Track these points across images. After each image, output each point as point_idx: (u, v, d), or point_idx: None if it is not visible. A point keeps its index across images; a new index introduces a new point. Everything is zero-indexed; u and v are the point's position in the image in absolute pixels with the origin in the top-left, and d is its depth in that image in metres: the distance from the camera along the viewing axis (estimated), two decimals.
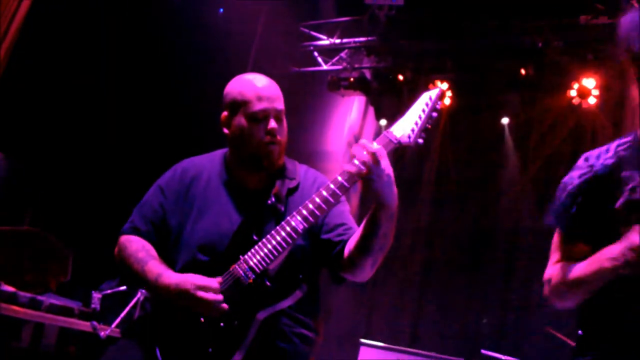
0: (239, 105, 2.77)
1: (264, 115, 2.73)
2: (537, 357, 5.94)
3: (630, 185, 2.34)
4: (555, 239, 2.50)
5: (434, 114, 2.60)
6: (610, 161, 2.41)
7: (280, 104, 2.78)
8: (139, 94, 7.66)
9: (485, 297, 8.11)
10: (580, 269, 2.35)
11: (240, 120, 2.77)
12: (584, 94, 7.64)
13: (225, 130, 2.83)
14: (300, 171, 2.89)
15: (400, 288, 8.67)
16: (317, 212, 2.57)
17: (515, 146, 8.51)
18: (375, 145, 2.50)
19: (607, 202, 2.36)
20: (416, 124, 2.58)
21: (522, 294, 7.37)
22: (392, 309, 8.60)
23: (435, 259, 8.62)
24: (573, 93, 7.73)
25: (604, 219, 2.36)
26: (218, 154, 2.96)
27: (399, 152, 8.77)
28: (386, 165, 2.49)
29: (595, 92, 7.59)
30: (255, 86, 2.78)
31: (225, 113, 2.82)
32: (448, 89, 8.36)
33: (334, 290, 8.20)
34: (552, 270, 2.46)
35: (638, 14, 2.25)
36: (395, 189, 2.56)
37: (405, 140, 2.57)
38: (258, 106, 2.73)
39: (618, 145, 2.45)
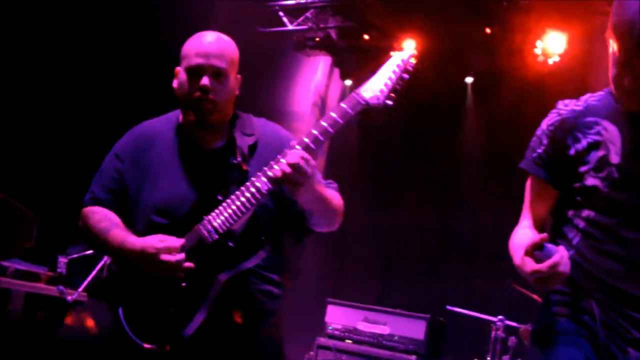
0: (183, 59, 2.78)
1: (198, 71, 2.71)
2: (502, 312, 6.03)
3: (594, 129, 2.40)
4: (528, 183, 2.60)
5: (405, 76, 2.61)
6: (578, 108, 2.51)
7: (219, 62, 2.74)
8: (101, 56, 7.54)
9: (451, 255, 8.20)
10: (514, 243, 2.48)
11: (182, 74, 2.77)
12: (548, 53, 7.67)
13: (174, 84, 2.84)
14: (257, 125, 2.87)
15: (369, 249, 8.74)
16: (282, 176, 2.55)
17: (476, 106, 8.56)
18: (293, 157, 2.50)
19: (570, 144, 2.45)
20: (386, 85, 2.58)
21: (490, 248, 7.44)
22: (360, 269, 8.67)
23: (402, 220, 8.68)
24: (538, 52, 7.75)
25: (568, 162, 2.45)
26: (172, 115, 2.94)
27: (364, 112, 8.79)
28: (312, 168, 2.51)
29: (560, 51, 7.62)
30: (198, 42, 2.77)
31: (177, 68, 2.82)
32: (414, 48, 8.35)
33: (302, 251, 8.25)
34: (517, 227, 2.57)
35: None
36: (317, 180, 2.60)
37: (374, 101, 2.58)
38: (194, 61, 2.72)
39: (590, 97, 2.55)
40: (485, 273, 7.53)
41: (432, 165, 8.59)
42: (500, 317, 5.89)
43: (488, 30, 7.98)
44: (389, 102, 2.59)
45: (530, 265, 2.22)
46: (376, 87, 2.59)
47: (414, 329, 6.62)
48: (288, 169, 2.49)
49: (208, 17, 8.27)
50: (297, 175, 2.49)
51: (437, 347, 6.71)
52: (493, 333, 5.90)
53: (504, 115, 7.77)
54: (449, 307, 6.31)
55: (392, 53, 2.68)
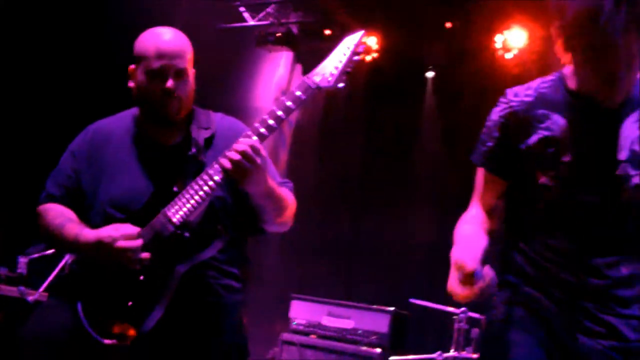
0: (140, 59, 2.75)
1: (162, 72, 2.70)
2: (465, 304, 6.07)
3: (545, 123, 2.39)
4: (478, 175, 2.59)
5: (356, 57, 2.62)
6: (528, 98, 2.47)
7: (181, 62, 2.73)
8: (57, 54, 7.45)
9: (414, 248, 8.24)
10: (458, 237, 2.48)
11: (141, 75, 2.74)
12: (509, 46, 7.72)
13: (130, 84, 2.81)
14: (215, 120, 2.88)
15: (332, 243, 8.74)
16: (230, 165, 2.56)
17: (436, 100, 8.60)
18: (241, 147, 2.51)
19: (521, 137, 2.42)
20: (336, 68, 2.60)
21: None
22: (324, 264, 8.67)
23: (365, 214, 8.70)
24: (498, 46, 7.81)
25: (516, 154, 2.43)
26: (128, 113, 2.94)
27: (328, 105, 8.82)
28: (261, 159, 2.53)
29: (521, 46, 7.68)
30: (157, 42, 2.74)
31: (132, 66, 2.80)
32: (376, 43, 8.36)
33: (265, 245, 8.23)
34: (464, 214, 2.58)
35: None
36: (265, 174, 2.60)
37: (324, 84, 2.59)
38: (156, 63, 2.70)
39: (540, 83, 2.51)
40: (448, 266, 7.58)
41: (392, 160, 8.61)
42: (462, 309, 5.93)
43: (448, 25, 8.01)
44: (340, 85, 2.60)
45: (452, 279, 2.25)
46: (327, 70, 2.60)
47: (378, 322, 6.64)
48: (237, 156, 2.49)
49: (168, 13, 8.23)
50: (245, 163, 2.49)
51: (401, 340, 6.74)
52: (456, 325, 5.94)
53: (464, 109, 7.81)
54: (412, 300, 6.34)
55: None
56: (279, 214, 2.79)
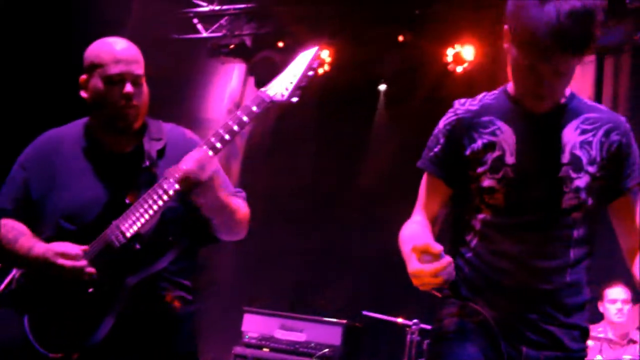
0: (95, 67, 2.73)
1: (120, 79, 2.70)
2: (417, 316, 6.11)
3: (490, 129, 2.45)
4: (423, 180, 2.62)
5: (310, 73, 2.64)
6: (474, 107, 2.54)
7: (138, 69, 2.74)
8: (4, 61, 7.32)
9: (366, 260, 8.27)
10: (402, 242, 2.49)
11: (97, 82, 2.73)
12: (460, 60, 7.82)
13: (84, 94, 2.80)
14: (166, 130, 2.88)
15: (284, 256, 8.73)
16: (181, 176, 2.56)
17: (388, 112, 8.67)
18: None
19: (466, 143, 2.48)
20: (291, 82, 2.61)
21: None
22: (276, 275, 8.65)
23: (316, 226, 8.71)
24: (449, 59, 7.90)
25: (462, 160, 2.48)
26: (79, 122, 2.92)
27: (281, 117, 8.82)
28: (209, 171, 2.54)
29: (471, 58, 7.78)
30: (113, 49, 2.74)
31: (83, 76, 2.78)
32: (328, 55, 8.40)
33: (217, 257, 8.18)
34: (409, 221, 2.60)
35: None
36: (217, 186, 2.62)
37: (278, 98, 2.60)
38: (114, 69, 2.70)
39: (485, 95, 2.59)
40: (400, 277, 7.61)
41: (344, 171, 8.64)
42: (415, 320, 5.96)
43: (400, 38, 8.09)
44: (294, 100, 2.62)
45: (414, 263, 2.21)
46: (282, 84, 2.62)
47: (331, 334, 6.65)
48: (188, 168, 2.51)
49: (119, 22, 8.16)
50: (197, 175, 2.50)
51: (353, 352, 6.76)
52: (408, 337, 5.97)
53: (416, 121, 7.87)
54: (364, 312, 6.36)
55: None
56: (232, 224, 2.79)
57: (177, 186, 2.56)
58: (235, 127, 2.58)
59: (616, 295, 6.00)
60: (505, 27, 2.38)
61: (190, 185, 2.53)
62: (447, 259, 2.19)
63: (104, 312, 2.58)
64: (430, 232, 2.51)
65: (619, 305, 6.00)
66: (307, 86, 2.63)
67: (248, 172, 8.95)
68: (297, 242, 8.75)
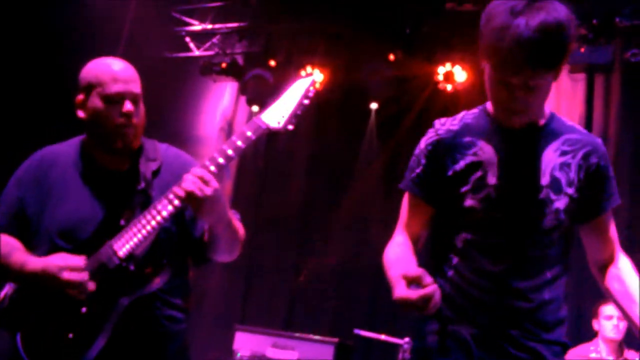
0: (94, 87, 2.74)
1: (119, 98, 2.72)
2: (409, 334, 6.10)
3: (472, 150, 2.47)
4: (404, 200, 2.64)
5: (305, 101, 2.67)
6: (455, 127, 2.56)
7: (136, 87, 2.77)
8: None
9: (358, 279, 8.27)
10: (388, 264, 2.49)
11: (96, 102, 2.74)
12: (450, 78, 7.86)
13: (81, 114, 2.81)
14: (161, 150, 2.89)
15: (276, 274, 8.72)
16: (184, 196, 2.57)
17: (379, 131, 8.68)
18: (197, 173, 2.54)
19: (448, 164, 2.50)
20: (287, 110, 2.64)
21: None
22: (268, 293, 8.65)
23: (309, 245, 8.72)
24: (440, 78, 7.94)
25: (444, 180, 2.50)
26: (75, 140, 2.93)
27: (270, 137, 8.84)
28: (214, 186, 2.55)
29: (461, 78, 7.83)
30: (111, 68, 2.76)
31: (80, 96, 2.79)
32: (320, 73, 8.43)
33: (208, 275, 8.17)
34: (391, 241, 2.60)
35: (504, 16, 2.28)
36: (223, 203, 2.63)
37: (274, 126, 2.63)
38: (113, 88, 2.71)
39: (465, 115, 2.60)
40: (391, 296, 7.60)
41: (335, 189, 8.66)
42: (406, 339, 5.95)
43: (392, 57, 8.13)
44: (290, 127, 2.65)
45: (401, 290, 2.21)
46: (278, 112, 2.64)
47: (323, 353, 6.63)
48: (189, 188, 2.51)
49: (113, 39, 8.19)
50: (198, 195, 2.51)
51: None
52: (400, 355, 5.95)
53: (406, 141, 7.90)
54: (356, 331, 6.35)
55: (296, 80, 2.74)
56: (233, 242, 2.81)
57: (170, 207, 2.58)
58: (230, 152, 2.60)
59: (612, 311, 6.00)
60: (479, 42, 2.38)
61: (197, 202, 2.54)
62: (434, 287, 2.20)
63: (96, 331, 2.57)
64: (414, 256, 2.52)
65: (614, 321, 6.00)
66: (301, 114, 2.67)
67: (240, 190, 8.95)
68: (288, 260, 8.75)
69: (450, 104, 7.87)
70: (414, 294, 2.18)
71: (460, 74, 7.81)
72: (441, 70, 7.88)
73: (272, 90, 8.46)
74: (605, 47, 7.03)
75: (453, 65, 7.82)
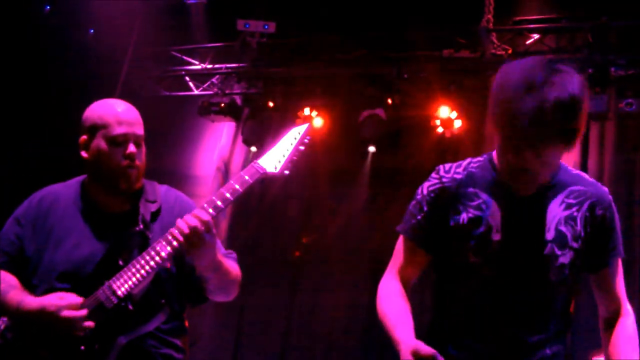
0: (98, 128, 2.77)
1: (124, 140, 2.75)
2: None
3: (475, 202, 2.46)
4: (399, 243, 2.59)
5: (302, 147, 2.75)
6: (459, 176, 2.51)
7: (139, 129, 2.80)
8: (9, 105, 7.37)
9: (350, 329, 8.24)
10: (389, 319, 2.45)
11: (100, 143, 2.77)
12: (447, 123, 7.91)
13: (84, 154, 2.83)
14: (160, 192, 2.92)
15: (268, 316, 8.70)
16: (181, 238, 2.59)
17: (375, 174, 8.70)
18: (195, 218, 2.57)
19: (450, 214, 2.46)
20: (284, 156, 2.71)
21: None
22: (260, 333, 8.61)
23: (300, 288, 8.70)
24: (437, 122, 7.99)
25: (445, 230, 2.46)
26: (75, 181, 2.95)
27: (266, 182, 8.85)
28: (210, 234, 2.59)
29: (458, 123, 7.87)
30: (115, 110, 2.79)
31: (84, 137, 2.82)
32: (317, 116, 8.49)
33: (201, 314, 8.14)
34: (384, 284, 2.57)
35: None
36: (214, 248, 2.66)
37: (271, 171, 2.70)
38: (118, 130, 2.75)
39: (470, 163, 2.55)
40: (382, 337, 7.56)
41: (330, 227, 8.67)
42: None
43: (390, 101, 8.20)
44: (286, 172, 2.71)
45: None
46: (274, 157, 2.71)
47: None
48: (186, 230, 2.54)
49: (114, 79, 8.26)
50: (195, 237, 2.54)
51: None
52: None
53: (403, 182, 7.94)
54: None
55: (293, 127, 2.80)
56: (225, 284, 2.83)
57: (169, 249, 2.60)
58: (228, 195, 2.65)
59: None
60: (489, 112, 2.34)
61: (188, 245, 2.56)
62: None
63: None
64: (409, 310, 2.48)
65: None
66: (298, 160, 2.71)
67: (236, 229, 8.96)
68: (282, 300, 8.73)
69: (447, 149, 7.93)
70: None
71: (457, 118, 7.85)
72: (438, 114, 7.91)
73: (270, 131, 8.53)
74: (600, 96, 7.09)
75: (450, 110, 7.86)
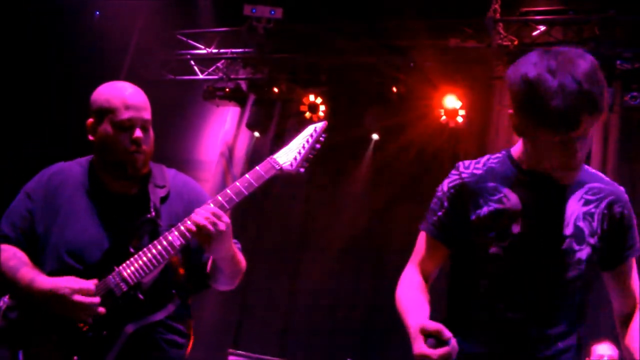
0: (105, 112, 2.76)
1: (130, 124, 2.74)
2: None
3: (496, 196, 2.48)
4: (421, 238, 2.62)
5: (317, 146, 2.77)
6: (479, 171, 2.54)
7: (147, 114, 2.79)
8: (9, 96, 7.37)
9: (352, 307, 8.26)
10: (405, 307, 2.47)
11: (106, 127, 2.76)
12: (451, 113, 7.90)
13: (91, 137, 2.82)
14: (169, 177, 2.92)
15: (270, 301, 8.72)
16: (195, 230, 2.60)
17: (377, 163, 8.70)
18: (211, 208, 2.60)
19: (471, 209, 2.49)
20: (299, 153, 2.72)
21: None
22: (262, 317, 8.63)
23: (303, 275, 8.71)
24: (441, 112, 7.98)
25: (467, 225, 2.49)
26: (85, 160, 2.95)
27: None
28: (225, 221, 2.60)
29: (462, 112, 7.87)
30: (123, 94, 2.78)
31: (91, 120, 2.81)
32: (321, 103, 8.49)
33: (203, 298, 8.16)
34: (405, 276, 2.59)
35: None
36: (230, 240, 2.68)
37: (287, 167, 2.71)
38: (125, 115, 2.73)
39: (489, 159, 2.58)
40: (386, 324, 7.61)
41: (332, 217, 8.68)
42: None
43: (394, 89, 8.19)
44: (301, 170, 2.72)
45: (421, 346, 2.20)
46: (291, 154, 2.72)
47: None
48: (202, 222, 2.55)
49: (120, 62, 8.25)
50: (209, 230, 2.55)
51: None
52: None
53: (407, 177, 7.94)
54: None
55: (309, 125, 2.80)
56: (235, 274, 2.85)
57: (182, 240, 2.62)
58: (243, 189, 2.66)
59: (603, 351, 5.99)
60: (511, 111, 2.37)
61: (203, 237, 2.57)
62: (453, 345, 2.20)
63: (100, 356, 2.59)
64: (427, 299, 2.50)
65: None
66: (313, 159, 2.72)
67: (239, 219, 8.96)
68: (283, 287, 8.74)
69: (452, 138, 7.92)
70: (434, 353, 2.18)
71: (461, 110, 7.84)
72: (443, 103, 7.91)
73: (274, 117, 8.53)
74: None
75: (455, 99, 7.85)
